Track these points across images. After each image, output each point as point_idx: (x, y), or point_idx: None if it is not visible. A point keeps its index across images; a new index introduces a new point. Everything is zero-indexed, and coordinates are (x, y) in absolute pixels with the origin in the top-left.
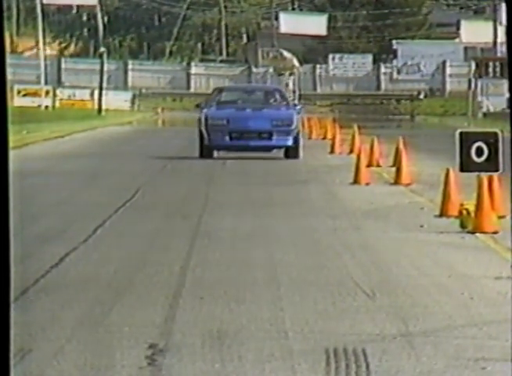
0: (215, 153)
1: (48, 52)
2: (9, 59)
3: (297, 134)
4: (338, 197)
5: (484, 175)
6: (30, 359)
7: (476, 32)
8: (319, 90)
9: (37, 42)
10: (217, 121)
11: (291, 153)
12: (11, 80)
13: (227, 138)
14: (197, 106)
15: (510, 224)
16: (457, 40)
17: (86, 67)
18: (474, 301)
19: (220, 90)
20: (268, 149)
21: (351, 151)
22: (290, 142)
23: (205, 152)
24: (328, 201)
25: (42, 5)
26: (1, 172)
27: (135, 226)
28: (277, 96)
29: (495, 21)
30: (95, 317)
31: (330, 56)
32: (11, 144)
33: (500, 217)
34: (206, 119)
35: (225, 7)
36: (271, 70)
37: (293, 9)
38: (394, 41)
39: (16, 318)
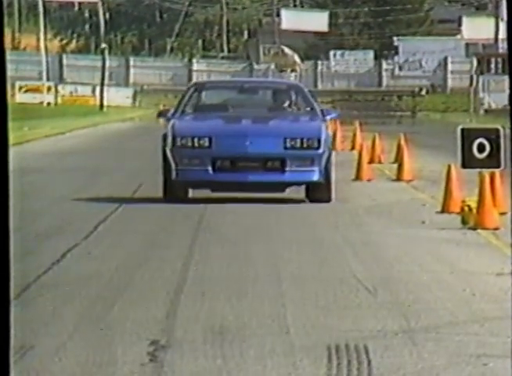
0: (190, 192)
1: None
2: (11, 56)
3: (328, 161)
4: (340, 193)
5: (486, 172)
6: (32, 356)
7: (478, 28)
8: (320, 86)
9: (38, 39)
10: (192, 141)
11: (318, 192)
12: (13, 76)
13: (209, 169)
14: (160, 114)
15: (511, 221)
16: (459, 36)
17: (88, 64)
18: (475, 298)
19: (199, 87)
20: (279, 188)
21: (353, 148)
22: (315, 176)
23: (172, 192)
24: None
25: (44, 1)
26: (2, 170)
27: (135, 223)
28: (294, 98)
29: (496, 17)
30: (96, 313)
31: (332, 53)
32: (12, 141)
33: (502, 213)
34: (174, 137)
35: (227, 4)
36: (272, 66)
37: (295, 5)
38: (395, 38)
39: (18, 314)
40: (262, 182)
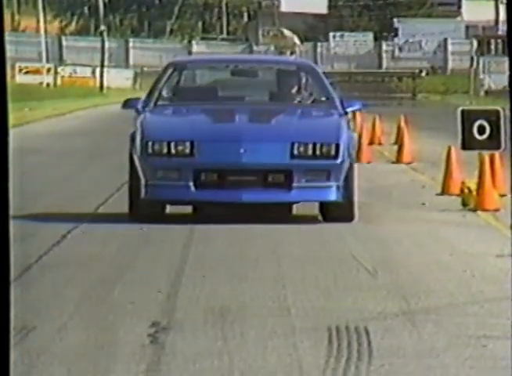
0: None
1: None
2: (11, 37)
3: (349, 173)
4: None
5: (486, 153)
6: (34, 336)
7: (477, 10)
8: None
9: (38, 21)
10: (167, 147)
11: (336, 211)
12: (13, 57)
13: (190, 185)
14: (126, 104)
15: (511, 203)
16: (459, 18)
17: (87, 45)
18: (475, 279)
19: (179, 68)
20: (283, 210)
21: (353, 129)
22: (332, 195)
23: (140, 210)
24: None
25: None
26: (1, 154)
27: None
28: (305, 82)
29: (496, 0)
30: (97, 294)
31: (331, 35)
32: (13, 121)
33: (502, 195)
34: (144, 140)
35: None
36: (272, 48)
37: None
38: (395, 20)
39: (19, 295)
40: (261, 202)
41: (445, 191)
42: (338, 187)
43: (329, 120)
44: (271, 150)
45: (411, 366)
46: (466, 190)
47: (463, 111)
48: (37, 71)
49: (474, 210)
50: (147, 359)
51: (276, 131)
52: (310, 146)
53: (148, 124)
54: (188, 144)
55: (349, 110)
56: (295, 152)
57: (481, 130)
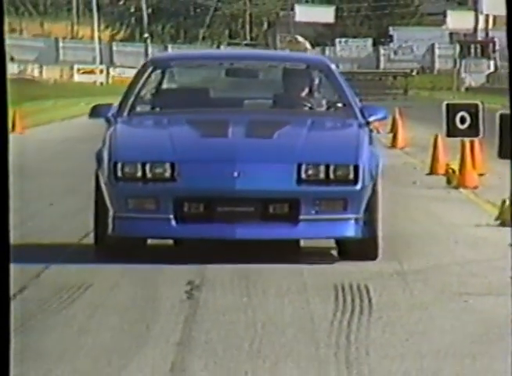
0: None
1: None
2: (71, 44)
3: (371, 203)
4: None
5: (467, 140)
6: (92, 291)
7: (460, 20)
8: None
9: (93, 30)
10: (142, 169)
11: (356, 249)
12: (72, 60)
13: (170, 217)
14: (94, 112)
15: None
16: (444, 27)
17: (133, 50)
18: (458, 245)
19: (160, 66)
20: (287, 248)
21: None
22: (350, 230)
23: (108, 248)
24: None
25: None
26: (1, 155)
27: None
28: (318, 84)
29: (475, 11)
30: (143, 261)
31: (337, 40)
32: (72, 113)
33: (480, 174)
34: (112, 161)
35: (250, 0)
36: (287, 52)
37: (307, 1)
38: (390, 28)
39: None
40: (260, 239)
41: (432, 172)
42: (358, 220)
43: (346, 133)
44: (272, 174)
45: (404, 318)
46: (450, 171)
47: (447, 105)
48: (91, 72)
49: (457, 187)
50: (185, 311)
51: (280, 148)
52: (322, 168)
53: (118, 140)
54: (168, 166)
55: (371, 119)
56: (303, 176)
57: (463, 120)
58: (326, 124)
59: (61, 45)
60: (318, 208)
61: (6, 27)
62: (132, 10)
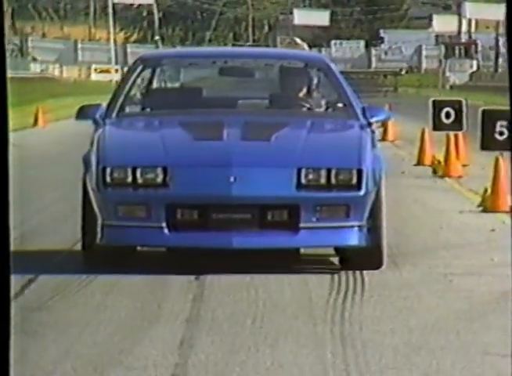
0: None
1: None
2: (88, 45)
3: (375, 208)
4: None
5: (452, 133)
6: (103, 277)
7: (444, 23)
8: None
9: (109, 32)
10: (132, 174)
11: (358, 258)
12: (89, 61)
13: (162, 226)
14: (81, 114)
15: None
16: (430, 29)
17: (146, 51)
18: (443, 230)
19: (150, 65)
20: (286, 258)
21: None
22: (353, 238)
23: (96, 256)
24: None
25: (113, 4)
26: (1, 156)
27: None
28: (317, 83)
29: (459, 15)
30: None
31: (332, 42)
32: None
33: (464, 165)
34: (100, 166)
35: (252, 5)
36: None
37: (305, 6)
38: (381, 30)
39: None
40: (257, 249)
41: (419, 162)
42: (361, 228)
43: (348, 135)
44: (271, 178)
45: (394, 297)
46: (436, 162)
47: (433, 101)
48: (107, 71)
49: (442, 177)
50: (193, 291)
51: (278, 151)
52: (323, 173)
53: (107, 143)
54: (160, 171)
55: (373, 120)
56: (303, 181)
57: (448, 115)
58: (327, 125)
59: (79, 46)
60: (319, 215)
61: (6, 28)
62: (145, 14)
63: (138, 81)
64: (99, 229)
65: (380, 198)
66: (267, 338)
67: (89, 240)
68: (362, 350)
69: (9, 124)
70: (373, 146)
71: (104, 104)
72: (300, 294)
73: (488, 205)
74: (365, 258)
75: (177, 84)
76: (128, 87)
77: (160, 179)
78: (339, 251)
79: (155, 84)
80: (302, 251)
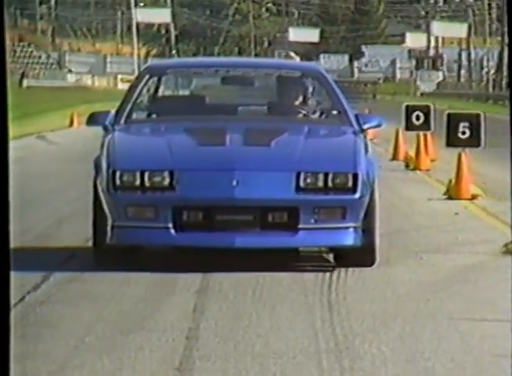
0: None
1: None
2: (116, 59)
3: (369, 211)
4: None
5: (421, 133)
6: (130, 254)
7: (416, 40)
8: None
9: (133, 48)
10: (141, 178)
11: (353, 257)
12: (117, 72)
13: (169, 226)
14: (91, 120)
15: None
16: (404, 45)
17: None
18: (414, 214)
19: (156, 74)
20: (286, 257)
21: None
22: (349, 239)
23: (105, 255)
24: None
25: (137, 23)
26: (1, 158)
27: None
28: (312, 92)
29: (428, 33)
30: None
31: (321, 56)
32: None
33: (432, 160)
34: (110, 170)
35: (254, 24)
36: None
37: (298, 25)
38: (362, 46)
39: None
40: (259, 248)
41: (394, 158)
42: (356, 229)
43: (343, 141)
44: (271, 182)
45: (373, 272)
46: (408, 157)
47: (406, 106)
48: (131, 81)
49: (414, 170)
50: (203, 269)
51: (278, 156)
52: (321, 177)
53: (116, 148)
54: (166, 174)
55: (366, 126)
56: (302, 184)
57: (418, 118)
58: (323, 131)
59: (108, 60)
60: (317, 217)
61: (7, 27)
62: (163, 32)
63: (145, 89)
64: (109, 229)
65: (374, 200)
66: (266, 306)
67: (100, 240)
68: (346, 316)
69: (9, 125)
70: (366, 151)
71: (113, 111)
72: (294, 270)
73: (452, 193)
74: (359, 257)
75: (182, 92)
76: (135, 95)
77: (166, 182)
78: (334, 250)
79: (161, 92)
80: (301, 249)
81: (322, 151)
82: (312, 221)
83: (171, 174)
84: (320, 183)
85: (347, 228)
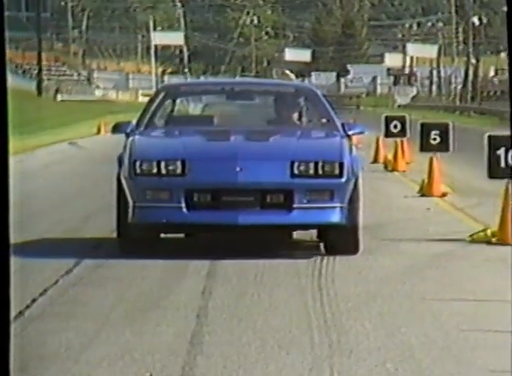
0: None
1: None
2: (137, 76)
3: (353, 194)
4: None
5: (398, 139)
6: (147, 242)
7: (393, 60)
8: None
9: (151, 67)
10: (157, 166)
11: (338, 239)
12: (137, 87)
13: (182, 206)
14: (116, 128)
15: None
16: (383, 64)
17: (177, 81)
18: (392, 209)
19: (171, 92)
20: (282, 233)
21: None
22: (335, 216)
23: (128, 240)
24: None
25: (155, 45)
26: (1, 159)
27: None
28: (304, 105)
29: (404, 53)
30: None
31: (313, 73)
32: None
33: (407, 163)
34: (132, 160)
35: (255, 46)
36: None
37: (293, 46)
38: (348, 65)
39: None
40: (259, 225)
41: (375, 160)
42: (342, 209)
43: (331, 140)
44: (269, 168)
45: (357, 259)
46: (387, 160)
47: (386, 116)
48: (150, 95)
49: (392, 171)
50: (211, 256)
51: (275, 148)
52: (312, 165)
53: (137, 145)
54: (179, 163)
55: (351, 133)
56: (296, 170)
57: (396, 126)
58: (314, 133)
59: (130, 76)
60: (309, 198)
61: (6, 28)
62: (177, 53)
63: (162, 105)
64: (130, 211)
65: (358, 187)
66: (265, 288)
67: (123, 220)
68: (334, 297)
69: (9, 126)
70: (351, 151)
71: (134, 121)
72: (289, 257)
73: (425, 191)
74: (343, 238)
75: (193, 107)
76: (153, 108)
77: (179, 170)
78: (322, 235)
79: (174, 108)
80: (294, 238)
81: (313, 146)
82: (305, 201)
83: (183, 162)
84: (311, 170)
85: (335, 207)
